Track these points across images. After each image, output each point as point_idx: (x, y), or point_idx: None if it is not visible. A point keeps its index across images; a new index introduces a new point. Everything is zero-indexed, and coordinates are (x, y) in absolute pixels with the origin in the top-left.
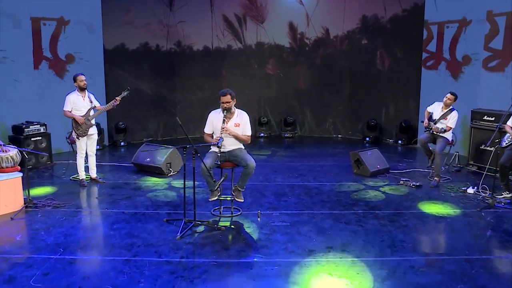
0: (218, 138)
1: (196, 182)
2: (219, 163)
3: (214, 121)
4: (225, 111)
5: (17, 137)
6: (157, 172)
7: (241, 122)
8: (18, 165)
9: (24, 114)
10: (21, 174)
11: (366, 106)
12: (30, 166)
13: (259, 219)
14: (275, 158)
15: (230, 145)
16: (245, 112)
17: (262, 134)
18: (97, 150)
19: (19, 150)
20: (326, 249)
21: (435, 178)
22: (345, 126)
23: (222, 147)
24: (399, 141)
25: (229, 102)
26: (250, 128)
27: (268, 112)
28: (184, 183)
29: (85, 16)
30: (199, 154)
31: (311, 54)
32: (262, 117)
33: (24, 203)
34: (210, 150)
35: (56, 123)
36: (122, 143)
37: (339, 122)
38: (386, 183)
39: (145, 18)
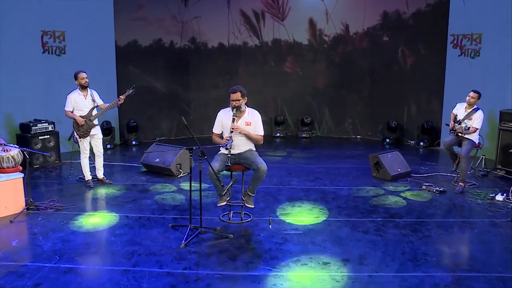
0: (227, 139)
1: (205, 185)
2: (228, 164)
3: (223, 120)
4: (235, 109)
5: (25, 135)
6: (166, 173)
7: (253, 121)
8: (21, 165)
9: (32, 112)
10: (22, 175)
11: (386, 106)
12: (38, 166)
13: (270, 226)
14: (291, 160)
15: (240, 146)
16: (256, 111)
17: (278, 134)
18: (107, 149)
19: (20, 149)
20: (341, 262)
21: (460, 184)
22: (365, 127)
23: (232, 148)
24: (421, 143)
25: (239, 100)
26: (262, 127)
27: (285, 111)
28: (190, 187)
29: (96, 13)
30: (206, 157)
31: (330, 52)
32: (278, 116)
33: (25, 205)
34: (219, 152)
35: (67, 121)
36: (133, 142)
37: (358, 123)
38: (407, 188)
39: (158, 14)
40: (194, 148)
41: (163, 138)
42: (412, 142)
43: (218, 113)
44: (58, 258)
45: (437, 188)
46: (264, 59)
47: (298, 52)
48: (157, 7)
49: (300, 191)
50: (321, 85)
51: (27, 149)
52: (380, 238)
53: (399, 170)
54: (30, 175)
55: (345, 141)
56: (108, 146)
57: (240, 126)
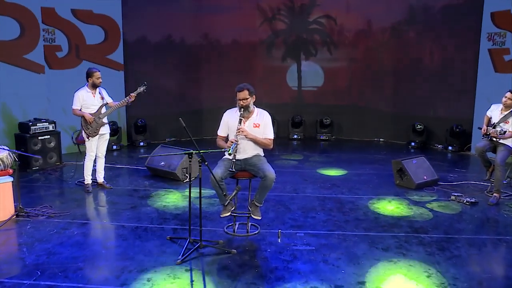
0: (231, 143)
1: (212, 191)
2: (233, 170)
3: (229, 122)
4: (242, 109)
5: (23, 135)
6: (171, 177)
7: (262, 123)
8: (17, 168)
9: (33, 111)
10: (11, 179)
11: (412, 106)
12: (37, 168)
13: (279, 240)
14: (307, 164)
15: (247, 151)
16: (266, 112)
17: (295, 136)
18: (113, 150)
19: (10, 152)
20: (357, 285)
21: (495, 194)
22: (388, 129)
23: (237, 153)
24: (450, 148)
25: (247, 99)
26: (272, 130)
27: (303, 111)
28: (190, 196)
29: (104, 7)
30: (206, 163)
31: (351, 48)
32: (296, 117)
33: (14, 211)
34: (224, 157)
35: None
36: (141, 143)
37: (381, 124)
38: (434, 198)
39: (168, 8)
40: (194, 152)
41: (173, 139)
42: (439, 146)
43: (224, 114)
44: (39, 273)
45: (468, 199)
46: (281, 56)
47: (318, 48)
48: (167, 1)
49: (314, 200)
50: (342, 83)
51: (16, 151)
52: (402, 257)
53: (425, 177)
54: (28, 178)
55: (366, 144)
56: (114, 147)
57: (246, 129)
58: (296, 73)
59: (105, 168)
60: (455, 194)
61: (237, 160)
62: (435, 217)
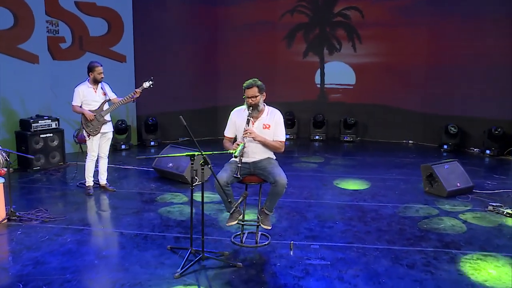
0: (238, 146)
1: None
2: (238, 176)
3: (237, 122)
4: (251, 108)
5: (24, 133)
6: (180, 180)
7: (272, 123)
8: (8, 167)
9: (35, 107)
10: (3, 180)
11: (445, 105)
12: (38, 167)
13: (291, 252)
14: (328, 168)
15: (256, 154)
16: (278, 111)
17: (317, 137)
18: (122, 150)
19: (2, 151)
20: None
21: None
22: (418, 130)
23: (245, 156)
24: (488, 151)
25: (256, 97)
26: (283, 131)
27: (326, 110)
28: (192, 201)
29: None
30: (209, 165)
31: (379, 42)
32: (318, 116)
33: (6, 215)
34: (231, 160)
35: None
36: (152, 143)
37: (410, 125)
38: (468, 207)
39: None
40: (196, 154)
41: (186, 139)
42: (476, 150)
43: (231, 113)
44: (21, 286)
45: (509, 210)
46: (302, 51)
47: (342, 43)
48: None
49: (333, 207)
50: (368, 80)
51: (8, 150)
52: (430, 276)
53: (458, 185)
54: (28, 179)
55: (394, 146)
56: (123, 146)
57: (254, 131)
58: (318, 68)
59: (110, 169)
60: (493, 204)
61: (245, 163)
62: (469, 230)
